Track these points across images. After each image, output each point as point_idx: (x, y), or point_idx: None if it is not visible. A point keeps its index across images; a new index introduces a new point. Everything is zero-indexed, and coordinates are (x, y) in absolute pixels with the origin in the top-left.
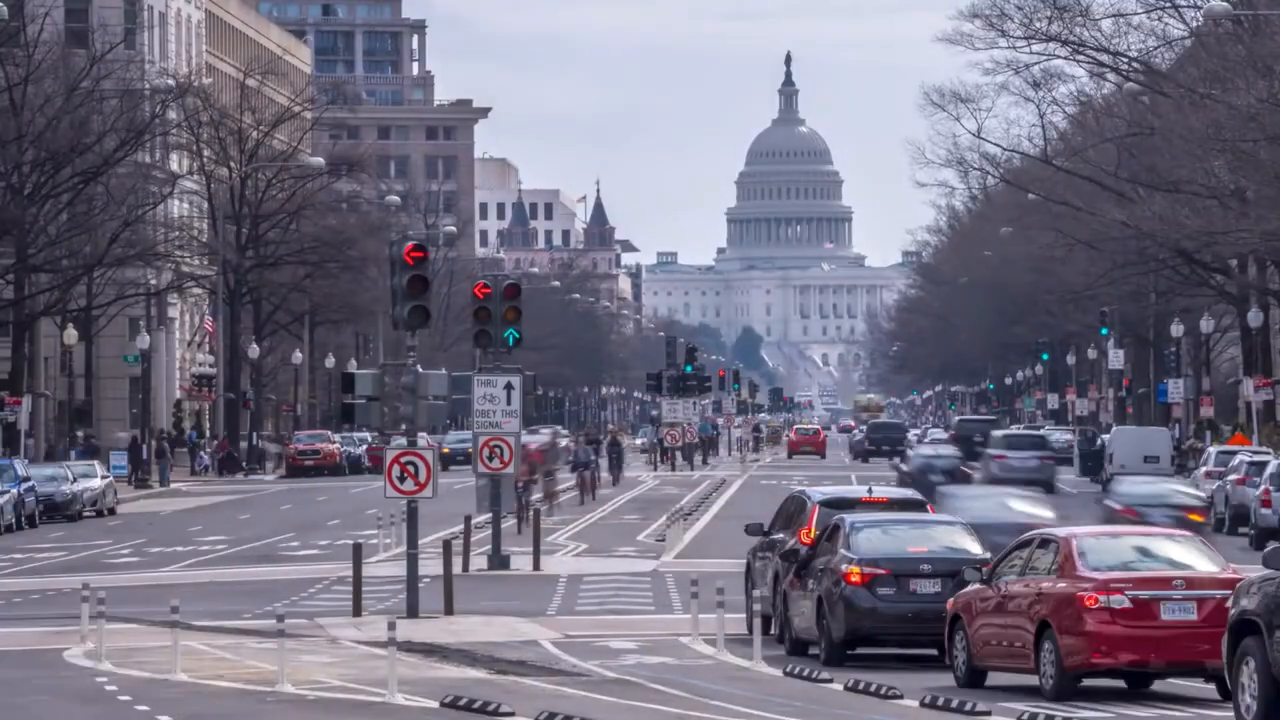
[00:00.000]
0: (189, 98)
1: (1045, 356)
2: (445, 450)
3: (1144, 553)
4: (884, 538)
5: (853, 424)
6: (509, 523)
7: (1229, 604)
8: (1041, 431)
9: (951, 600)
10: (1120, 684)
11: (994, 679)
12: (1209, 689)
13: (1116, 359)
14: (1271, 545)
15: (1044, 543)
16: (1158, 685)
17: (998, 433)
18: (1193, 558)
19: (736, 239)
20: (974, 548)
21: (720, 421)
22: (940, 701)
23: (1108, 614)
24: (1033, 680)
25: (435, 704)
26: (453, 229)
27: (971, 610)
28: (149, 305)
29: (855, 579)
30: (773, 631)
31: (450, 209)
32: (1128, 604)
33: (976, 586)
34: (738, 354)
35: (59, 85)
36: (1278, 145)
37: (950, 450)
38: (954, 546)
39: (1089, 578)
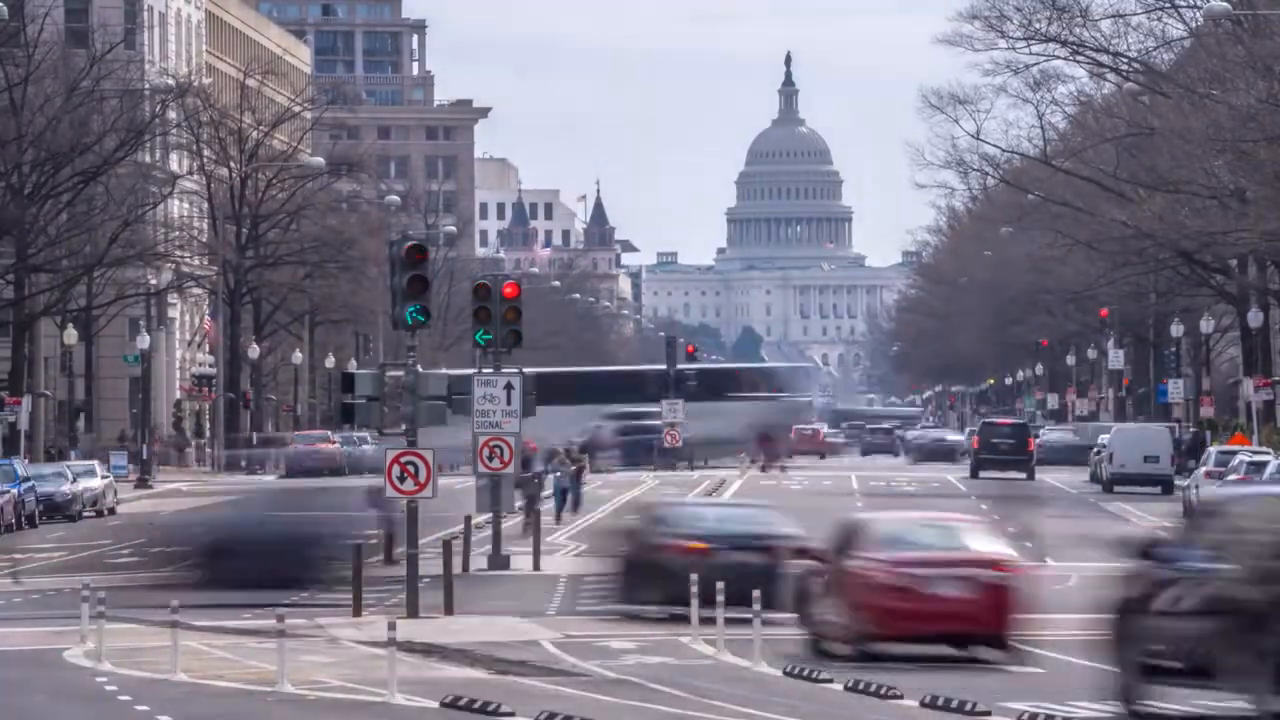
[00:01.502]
0: (189, 98)
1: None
2: None
3: (930, 532)
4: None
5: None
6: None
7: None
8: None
9: (798, 579)
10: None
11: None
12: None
13: (1116, 359)
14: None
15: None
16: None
17: None
18: (976, 540)
19: (736, 239)
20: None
21: None
22: (940, 701)
23: (893, 590)
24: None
25: (435, 704)
26: (453, 229)
27: (814, 588)
28: (149, 305)
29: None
30: None
31: (450, 209)
32: (908, 582)
33: (811, 565)
34: (738, 354)
35: (59, 85)
36: (1278, 145)
37: None
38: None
39: (877, 558)
